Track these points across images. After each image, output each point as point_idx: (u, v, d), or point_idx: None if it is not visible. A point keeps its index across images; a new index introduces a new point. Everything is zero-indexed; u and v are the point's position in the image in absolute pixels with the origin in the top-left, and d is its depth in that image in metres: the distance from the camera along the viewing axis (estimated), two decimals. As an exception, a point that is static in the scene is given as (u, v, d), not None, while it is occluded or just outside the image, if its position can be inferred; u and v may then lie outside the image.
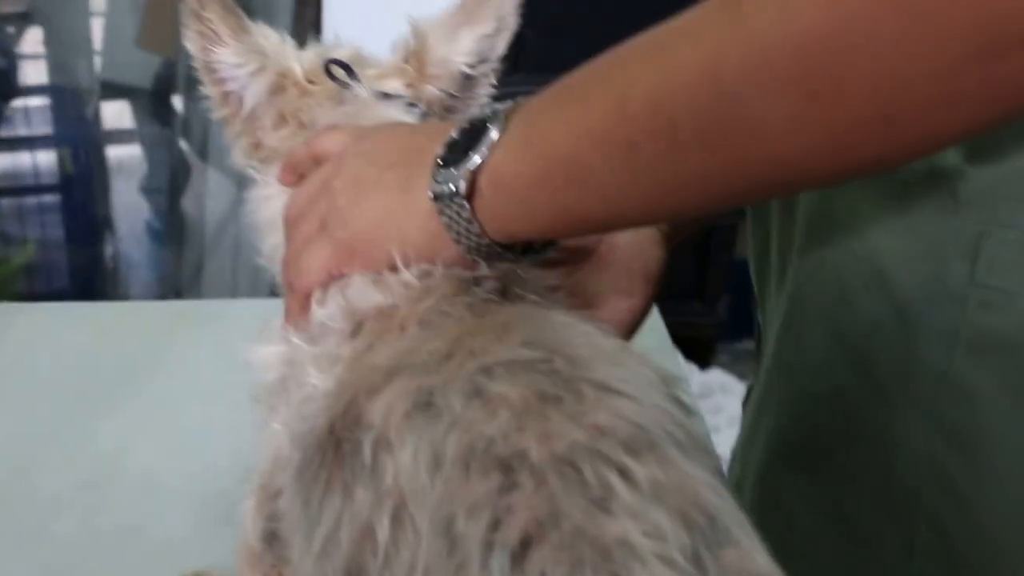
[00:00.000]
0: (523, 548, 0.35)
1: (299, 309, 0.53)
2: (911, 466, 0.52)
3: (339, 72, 0.62)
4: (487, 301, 0.49)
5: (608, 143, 0.41)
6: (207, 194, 2.07)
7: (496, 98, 0.63)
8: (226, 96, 0.63)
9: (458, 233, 0.47)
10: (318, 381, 0.50)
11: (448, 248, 0.48)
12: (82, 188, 2.22)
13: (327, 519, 0.43)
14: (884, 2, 0.32)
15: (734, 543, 0.36)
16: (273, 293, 0.57)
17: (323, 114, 0.61)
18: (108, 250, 2.26)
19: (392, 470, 0.40)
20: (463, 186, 0.45)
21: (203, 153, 2.10)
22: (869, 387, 0.54)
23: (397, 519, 0.39)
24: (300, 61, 0.63)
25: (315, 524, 0.44)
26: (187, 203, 2.19)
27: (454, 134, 0.47)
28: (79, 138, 2.22)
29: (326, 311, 0.52)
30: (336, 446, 0.44)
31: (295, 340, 0.53)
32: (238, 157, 0.65)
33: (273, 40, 0.64)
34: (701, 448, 0.40)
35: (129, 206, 2.31)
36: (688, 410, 0.43)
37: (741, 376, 2.20)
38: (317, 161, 0.56)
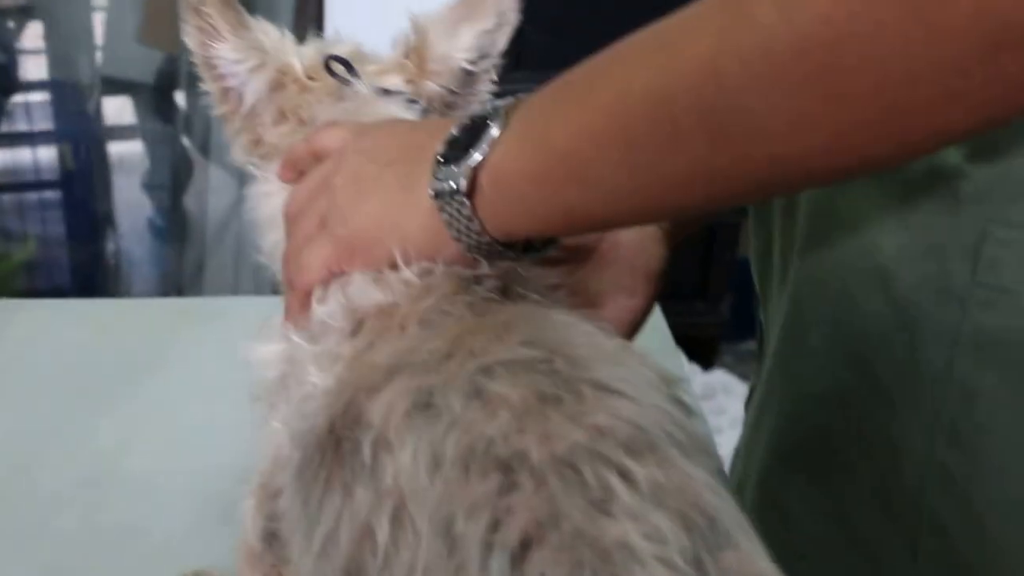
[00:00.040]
0: (523, 549, 0.35)
1: (299, 307, 0.53)
2: (912, 466, 0.52)
3: (339, 68, 0.62)
4: (488, 300, 0.49)
5: (608, 140, 0.40)
6: (209, 191, 2.07)
7: (498, 95, 0.63)
8: (226, 92, 0.63)
9: (458, 231, 0.46)
10: (318, 379, 0.50)
11: (448, 246, 0.48)
12: (83, 184, 2.21)
13: (327, 519, 0.43)
14: (886, 1, 0.32)
15: (734, 545, 0.36)
16: (275, 291, 0.57)
17: (323, 110, 0.61)
18: (109, 247, 2.26)
19: (392, 470, 0.40)
20: (463, 184, 0.45)
21: (205, 150, 2.10)
22: (870, 387, 0.54)
23: (397, 519, 0.39)
24: (300, 57, 0.63)
25: (315, 524, 0.44)
26: (189, 200, 2.19)
27: (454, 131, 0.47)
28: (80, 134, 2.21)
29: (326, 309, 0.51)
30: (336, 445, 0.44)
31: (295, 338, 0.53)
32: (238, 154, 0.65)
33: (273, 36, 0.64)
34: (702, 449, 0.40)
35: (131, 202, 2.31)
36: (689, 411, 0.42)
37: (744, 377, 2.20)
38: (317, 158, 0.56)
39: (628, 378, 0.41)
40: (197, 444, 0.87)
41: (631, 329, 0.60)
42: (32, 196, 2.32)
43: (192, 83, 0.57)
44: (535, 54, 1.01)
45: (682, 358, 1.27)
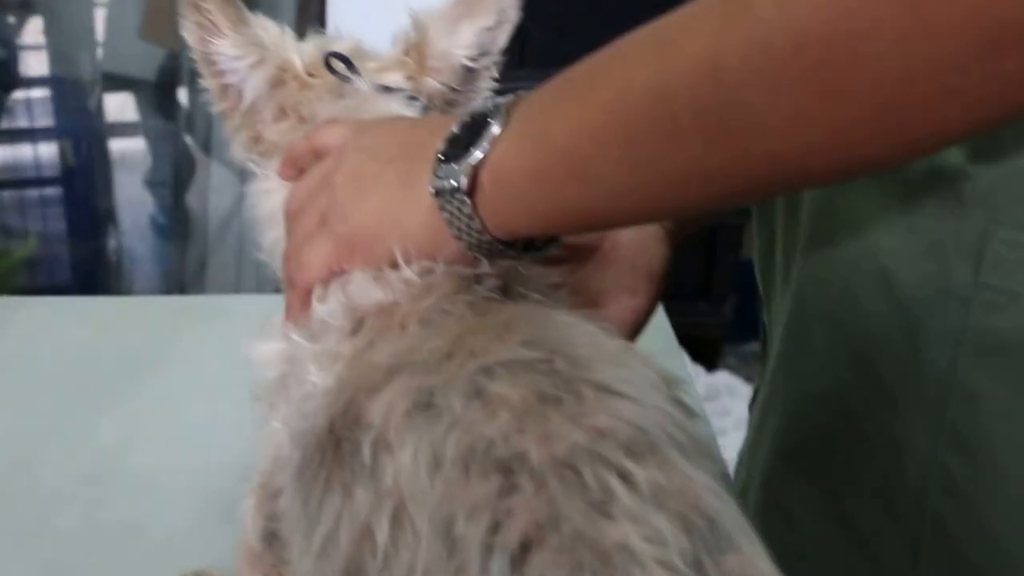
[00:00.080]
0: (523, 551, 0.35)
1: (300, 305, 0.53)
2: (914, 467, 0.52)
3: (339, 65, 0.62)
4: (488, 299, 0.48)
5: (608, 138, 0.40)
6: (211, 189, 2.07)
7: (500, 93, 0.63)
8: (225, 89, 0.63)
9: (459, 229, 0.46)
10: (318, 379, 0.49)
11: (449, 245, 0.47)
12: (84, 181, 2.21)
13: (326, 519, 0.43)
14: None
15: (736, 548, 0.35)
16: (277, 289, 0.57)
17: (323, 108, 0.61)
18: (111, 244, 2.25)
19: (392, 470, 0.40)
20: (464, 182, 0.45)
21: (207, 147, 2.09)
22: (872, 387, 0.54)
23: (396, 520, 0.39)
24: (300, 54, 0.63)
25: (314, 524, 0.44)
26: (191, 197, 2.19)
27: (455, 129, 0.46)
28: (81, 130, 2.21)
29: (327, 308, 0.51)
30: (336, 445, 0.44)
31: (295, 337, 0.53)
32: (237, 151, 0.65)
33: (272, 32, 0.63)
34: (703, 451, 0.39)
35: (133, 200, 2.31)
36: (690, 412, 0.42)
37: (748, 378, 2.19)
38: (317, 155, 0.55)
39: (629, 379, 0.41)
40: (199, 442, 0.87)
41: (634, 329, 0.60)
42: (33, 193, 2.31)
43: (194, 80, 0.57)
44: (537, 52, 1.01)
45: (685, 359, 1.26)
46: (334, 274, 0.52)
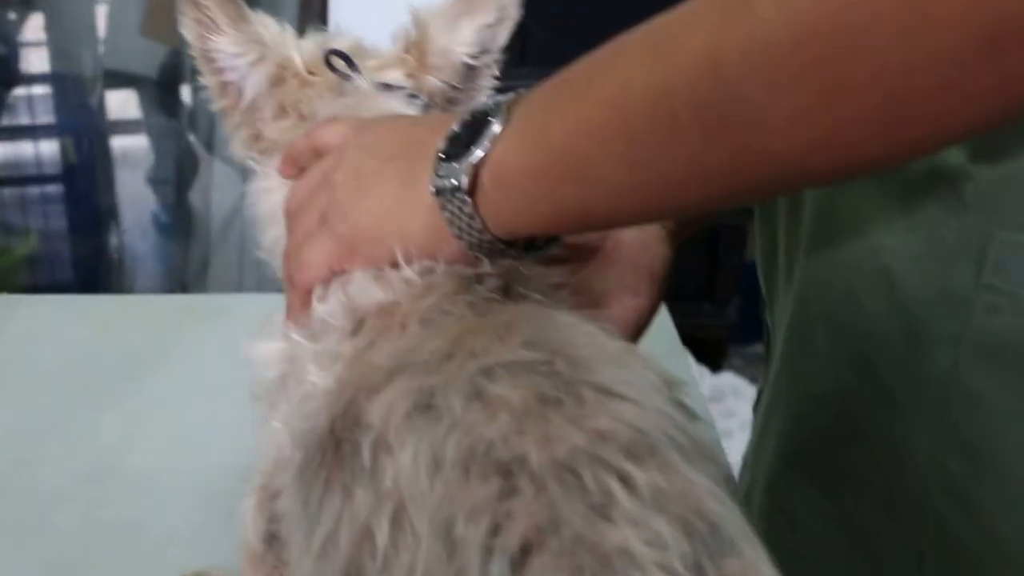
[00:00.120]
0: (523, 555, 0.34)
1: (300, 305, 0.53)
2: (917, 469, 0.52)
3: (339, 63, 0.62)
4: (489, 299, 0.48)
5: (608, 136, 0.40)
6: (214, 187, 2.06)
7: (502, 91, 0.63)
8: (225, 86, 0.63)
9: (460, 229, 0.46)
10: (318, 379, 0.49)
11: (450, 244, 0.47)
12: (85, 178, 2.21)
13: (326, 520, 0.43)
14: None
15: (738, 553, 0.35)
16: (280, 288, 0.57)
17: (323, 105, 0.61)
18: (113, 242, 2.25)
19: (392, 472, 0.40)
20: (465, 181, 0.44)
21: (210, 145, 2.09)
22: (875, 389, 0.54)
23: (396, 521, 0.39)
24: (300, 51, 0.63)
25: (314, 524, 0.43)
26: (194, 196, 2.19)
27: (455, 127, 0.46)
28: (82, 127, 2.21)
29: (327, 307, 0.51)
30: (336, 446, 0.44)
31: (296, 337, 0.52)
32: (237, 148, 0.65)
33: (272, 29, 0.63)
34: (705, 454, 0.39)
35: (135, 198, 2.30)
36: (692, 414, 0.42)
37: (753, 380, 2.19)
38: (318, 153, 0.55)
39: (630, 381, 0.40)
40: (200, 442, 0.87)
41: (637, 330, 0.60)
42: (34, 190, 2.30)
43: (196, 77, 0.57)
44: (539, 50, 1.00)
45: (689, 359, 1.26)
46: (334, 273, 0.51)
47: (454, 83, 0.63)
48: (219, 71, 0.62)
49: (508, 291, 0.50)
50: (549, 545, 0.34)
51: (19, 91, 2.26)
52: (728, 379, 2.23)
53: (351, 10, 1.68)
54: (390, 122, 0.56)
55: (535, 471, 0.36)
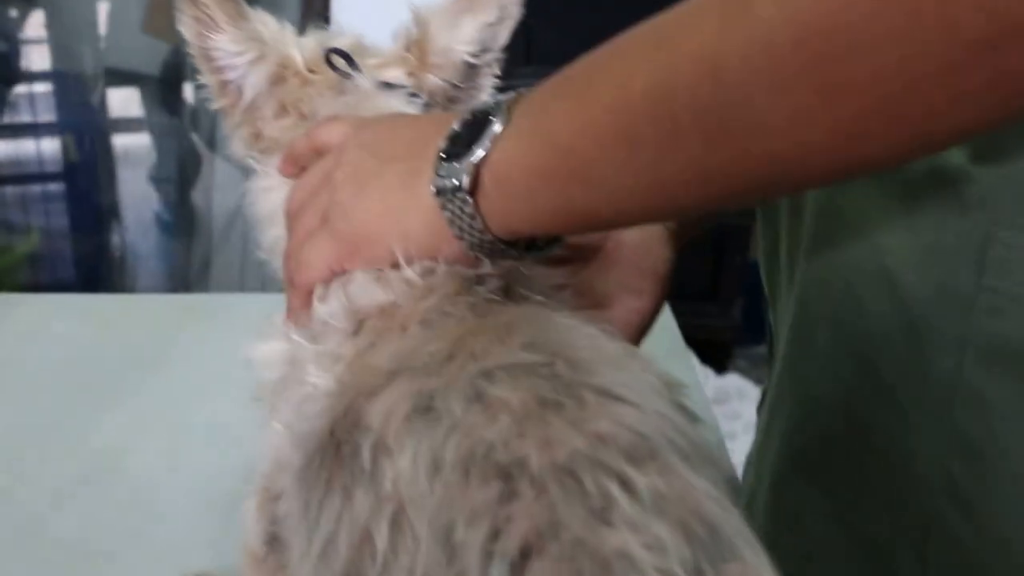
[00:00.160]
0: (522, 559, 0.34)
1: (300, 305, 0.53)
2: (919, 471, 0.52)
3: (339, 62, 0.61)
4: (490, 301, 0.48)
5: (608, 137, 0.40)
6: (216, 185, 2.06)
7: (505, 90, 0.62)
8: (224, 85, 0.62)
9: (461, 229, 0.46)
10: (319, 381, 0.49)
11: (451, 244, 0.47)
12: (87, 177, 2.21)
13: (326, 522, 0.42)
14: None
15: (738, 557, 0.35)
16: (282, 288, 0.57)
17: (324, 104, 0.61)
18: (114, 240, 2.25)
19: (391, 475, 0.40)
20: (466, 180, 0.44)
21: (212, 144, 2.09)
22: (877, 391, 0.53)
23: (396, 525, 0.38)
24: (300, 49, 0.62)
25: (314, 527, 0.43)
26: (196, 194, 2.19)
27: (456, 126, 0.46)
28: (84, 125, 2.21)
29: (327, 308, 0.51)
30: (336, 448, 0.43)
31: (296, 337, 0.52)
32: (238, 148, 0.64)
33: (272, 27, 0.63)
34: (705, 457, 0.39)
35: (137, 196, 2.30)
36: (693, 417, 0.42)
37: (759, 381, 2.19)
38: (318, 152, 0.55)
39: (630, 383, 0.40)
40: (201, 442, 0.87)
41: (639, 331, 0.59)
42: (35, 188, 2.30)
43: (198, 75, 0.57)
44: (543, 49, 1.00)
45: (692, 361, 1.26)
46: (335, 274, 0.51)
47: (455, 82, 0.63)
48: (218, 70, 0.62)
49: (509, 292, 0.49)
50: (549, 549, 0.34)
51: (20, 88, 2.25)
52: (733, 380, 2.23)
53: (353, 8, 1.68)
54: (391, 121, 0.56)
55: (535, 474, 0.36)
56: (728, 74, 0.35)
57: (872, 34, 0.32)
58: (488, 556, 0.35)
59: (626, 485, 0.35)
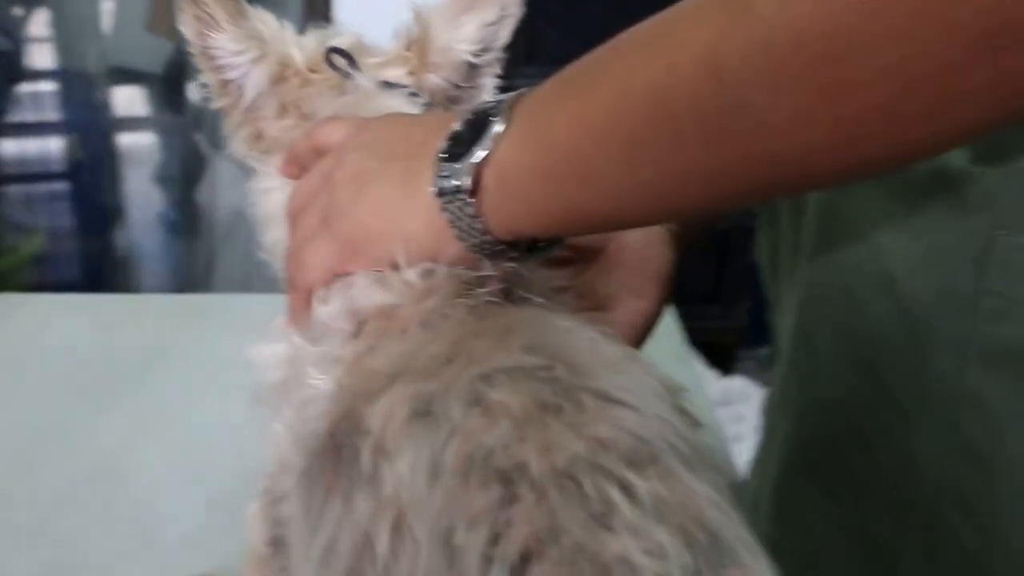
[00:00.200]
0: (522, 563, 0.34)
1: (301, 306, 0.52)
2: (922, 473, 0.51)
3: (340, 61, 0.61)
4: (490, 303, 0.48)
5: (609, 137, 0.40)
6: (220, 185, 2.06)
7: (508, 90, 0.62)
8: (225, 84, 0.62)
9: (462, 229, 0.45)
10: (319, 383, 0.49)
11: (451, 245, 0.47)
12: (92, 176, 2.21)
13: (327, 526, 0.42)
14: None
15: (739, 563, 0.34)
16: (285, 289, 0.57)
17: (324, 104, 0.60)
18: (119, 240, 2.25)
19: (391, 479, 0.39)
20: (467, 181, 0.44)
21: (217, 143, 2.09)
22: (878, 392, 0.53)
23: (396, 529, 0.38)
24: (300, 49, 0.62)
25: (315, 531, 0.43)
26: (201, 194, 2.19)
27: (457, 126, 0.46)
28: (88, 124, 2.21)
29: (328, 310, 0.51)
30: (336, 451, 0.43)
31: (297, 339, 0.52)
32: (238, 148, 0.64)
33: (272, 26, 0.63)
34: (707, 461, 0.38)
35: (141, 196, 2.30)
36: (694, 421, 0.41)
37: (764, 383, 2.17)
38: (319, 153, 0.55)
39: (630, 387, 0.40)
40: (205, 442, 0.87)
41: (642, 333, 0.59)
42: (40, 187, 2.30)
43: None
44: (545, 48, 1.00)
45: (695, 363, 1.26)
46: (336, 275, 0.51)
47: (456, 81, 0.63)
48: (219, 69, 0.62)
49: (510, 294, 0.49)
50: (549, 554, 0.34)
51: (25, 87, 2.25)
52: (738, 383, 2.22)
53: (355, 7, 1.68)
54: (391, 121, 0.55)
55: (535, 479, 0.35)
56: (729, 74, 0.35)
57: (873, 34, 0.32)
58: (488, 561, 0.34)
59: (627, 490, 0.35)
